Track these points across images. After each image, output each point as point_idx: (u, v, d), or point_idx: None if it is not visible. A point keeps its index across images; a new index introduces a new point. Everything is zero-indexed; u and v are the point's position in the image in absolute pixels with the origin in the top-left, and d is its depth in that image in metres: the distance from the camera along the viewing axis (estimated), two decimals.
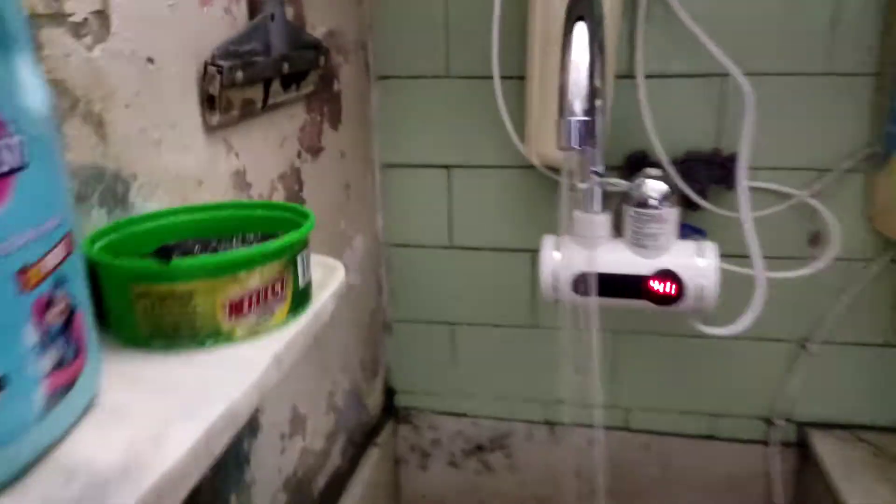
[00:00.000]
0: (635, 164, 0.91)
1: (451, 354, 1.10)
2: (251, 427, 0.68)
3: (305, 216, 0.47)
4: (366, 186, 0.99)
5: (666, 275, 0.74)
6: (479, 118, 0.97)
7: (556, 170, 0.92)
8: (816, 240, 0.93)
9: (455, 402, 1.12)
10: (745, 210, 0.77)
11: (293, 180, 0.75)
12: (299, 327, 0.43)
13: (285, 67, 0.66)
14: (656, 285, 0.74)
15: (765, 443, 1.04)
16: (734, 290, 0.83)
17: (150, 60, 0.49)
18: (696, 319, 0.79)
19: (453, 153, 1.01)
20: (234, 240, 0.45)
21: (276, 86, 0.66)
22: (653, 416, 1.07)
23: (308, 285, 0.45)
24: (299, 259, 0.44)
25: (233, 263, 0.39)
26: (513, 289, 1.05)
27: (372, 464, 1.02)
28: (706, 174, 0.90)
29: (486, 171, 1.00)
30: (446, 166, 1.01)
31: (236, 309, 0.39)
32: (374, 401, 1.08)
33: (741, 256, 0.89)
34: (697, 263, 0.74)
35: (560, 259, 0.77)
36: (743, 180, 0.76)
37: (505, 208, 1.01)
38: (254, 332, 0.41)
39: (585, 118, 0.57)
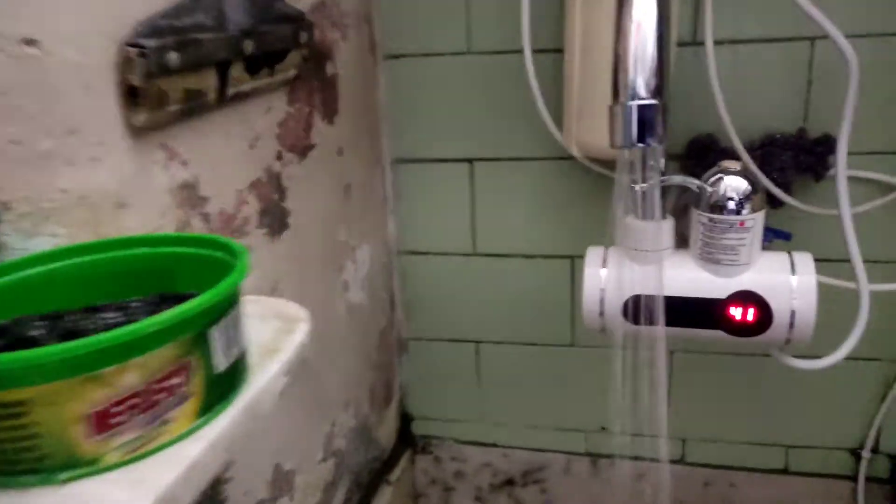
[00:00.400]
0: (700, 151, 0.74)
1: (475, 376, 0.95)
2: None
3: (235, 255, 0.32)
4: (373, 187, 0.84)
5: (747, 298, 0.58)
6: (507, 102, 0.81)
7: (600, 161, 0.76)
8: None
9: (482, 430, 0.97)
10: (844, 205, 0.60)
11: (271, 188, 0.60)
12: (217, 432, 0.28)
13: (249, 47, 0.50)
14: (735, 312, 0.58)
15: (851, 478, 0.88)
16: (824, 305, 0.66)
17: (31, 42, 0.34)
18: (784, 352, 0.63)
19: (477, 145, 0.85)
20: (109, 309, 0.30)
21: (237, 71, 0.50)
22: (714, 448, 0.91)
23: (238, 363, 0.31)
24: (216, 332, 0.29)
25: (90, 355, 0.24)
26: (547, 301, 0.89)
27: None
28: (791, 162, 0.73)
29: (516, 164, 0.84)
30: (469, 160, 0.86)
31: (101, 423, 0.25)
32: (387, 431, 0.93)
33: (830, 261, 0.72)
34: (790, 283, 0.57)
35: (608, 278, 0.61)
36: (842, 167, 0.59)
37: (538, 208, 0.86)
38: (135, 454, 0.26)
39: (651, 100, 0.40)
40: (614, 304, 0.61)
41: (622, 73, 0.40)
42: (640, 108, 0.39)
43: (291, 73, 0.60)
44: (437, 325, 0.94)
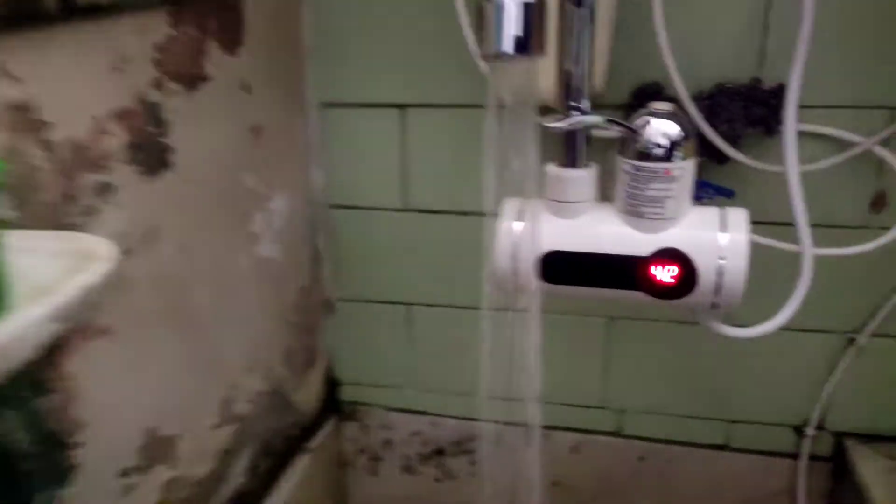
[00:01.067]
0: (646, 100, 0.68)
1: (407, 341, 0.89)
2: (53, 470, 0.48)
3: None
4: (292, 132, 0.77)
5: (671, 256, 0.52)
6: (439, 41, 0.74)
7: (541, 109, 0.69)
8: (880, 203, 0.70)
9: (412, 397, 0.92)
10: (791, 162, 0.54)
11: (146, 119, 0.53)
12: None
13: None
14: (657, 272, 0.52)
15: (792, 455, 0.84)
16: (766, 270, 0.61)
17: None
18: (712, 317, 0.57)
19: (409, 89, 0.78)
20: None
21: None
22: (652, 421, 0.86)
23: None
24: None
25: None
26: (483, 262, 0.83)
27: (301, 474, 0.83)
28: (741, 113, 0.67)
29: (451, 111, 0.77)
30: (400, 105, 0.79)
31: None
32: (310, 396, 0.88)
33: (777, 224, 0.67)
34: (718, 240, 0.52)
35: (522, 232, 0.55)
36: (792, 121, 0.54)
37: (475, 161, 0.79)
38: None
39: None
40: (527, 262, 0.55)
41: None
42: (514, 5, 0.32)
43: None
44: (366, 285, 0.88)
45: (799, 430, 0.82)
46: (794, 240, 0.56)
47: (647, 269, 0.52)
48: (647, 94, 0.70)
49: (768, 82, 0.68)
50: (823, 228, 0.69)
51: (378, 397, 0.93)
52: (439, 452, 0.93)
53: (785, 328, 0.58)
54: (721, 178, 0.70)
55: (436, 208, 0.82)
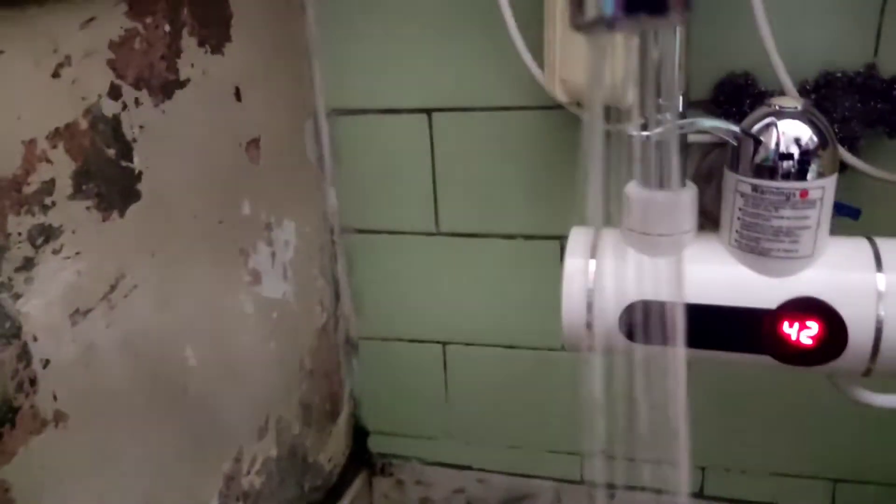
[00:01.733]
0: (732, 95, 0.54)
1: (443, 384, 0.76)
2: None
3: None
4: (298, 145, 0.64)
5: (808, 308, 0.38)
6: (474, 34, 0.61)
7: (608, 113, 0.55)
8: None
9: (452, 449, 0.78)
10: None
11: (102, 139, 0.41)
12: None
13: None
14: (789, 331, 0.38)
15: None
16: None
17: None
18: (858, 383, 0.43)
19: (436, 90, 0.65)
20: None
21: None
22: (738, 480, 0.72)
23: None
24: None
25: None
26: (531, 293, 0.70)
27: None
28: (856, 110, 0.52)
29: (487, 115, 0.64)
30: (426, 111, 0.66)
31: None
32: (334, 452, 0.75)
33: None
34: (875, 284, 0.37)
35: (598, 274, 0.41)
36: None
37: (517, 174, 0.66)
38: None
39: None
40: (607, 314, 0.41)
41: None
42: None
43: None
44: (394, 322, 0.75)
45: None
46: None
47: (777, 326, 0.38)
48: (734, 88, 0.56)
49: (886, 70, 0.54)
50: None
51: (413, 449, 0.80)
52: None
53: None
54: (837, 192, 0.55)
55: (472, 231, 0.69)
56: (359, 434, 0.80)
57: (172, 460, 0.49)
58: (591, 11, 0.18)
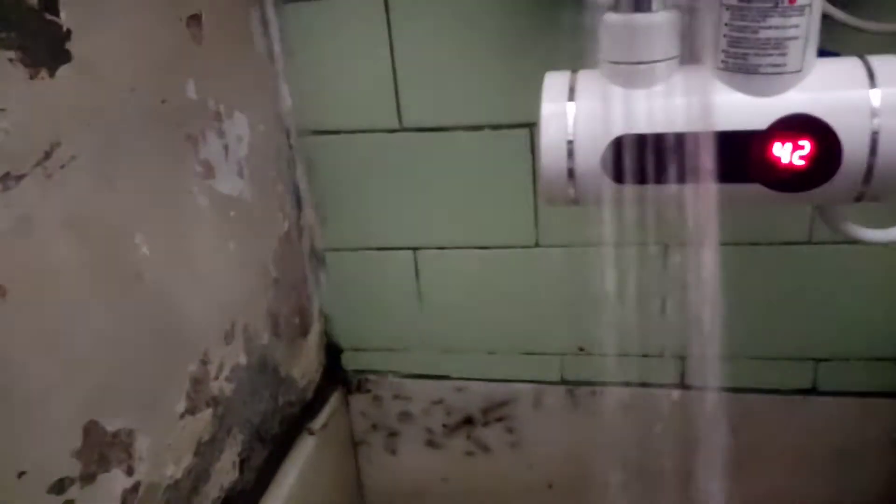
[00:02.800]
0: None
1: (416, 292, 0.73)
2: None
3: None
4: (245, 29, 0.60)
5: (801, 126, 0.36)
6: None
7: None
8: None
9: (430, 359, 0.76)
10: None
11: None
12: None
13: None
14: (781, 151, 0.36)
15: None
16: None
17: None
18: (846, 215, 0.41)
19: None
20: None
21: None
22: (722, 366, 0.71)
23: None
24: None
25: None
26: (502, 189, 0.67)
27: (305, 461, 0.68)
28: None
29: None
30: None
31: None
32: (306, 368, 0.72)
33: None
34: (869, 99, 0.35)
35: (579, 114, 0.39)
36: None
37: (483, 56, 0.62)
38: None
39: None
40: (591, 154, 0.38)
41: None
42: None
43: None
44: (361, 230, 0.72)
45: None
46: None
47: (767, 148, 0.36)
48: None
49: None
50: None
51: (389, 363, 0.77)
52: (468, 422, 0.78)
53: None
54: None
55: (437, 124, 0.66)
56: (332, 351, 0.77)
57: (131, 351, 0.45)
58: None
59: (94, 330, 0.42)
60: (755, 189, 0.37)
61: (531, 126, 0.64)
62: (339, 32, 0.63)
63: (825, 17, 0.50)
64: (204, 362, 0.53)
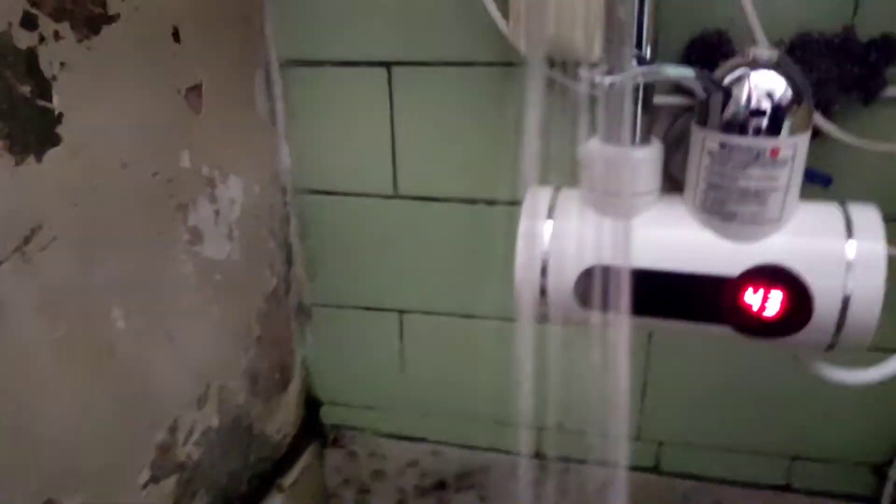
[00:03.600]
0: (704, 54, 0.51)
1: (399, 354, 0.73)
2: None
3: None
4: (247, 96, 0.60)
5: (772, 276, 0.36)
6: None
7: (568, 66, 0.52)
8: None
9: (407, 420, 0.76)
10: None
11: (17, 72, 0.37)
12: None
13: None
14: (752, 299, 0.36)
15: (870, 500, 0.68)
16: None
17: None
18: (821, 358, 0.41)
19: (397, 41, 0.61)
20: None
21: None
22: (696, 455, 0.71)
23: None
24: None
25: None
26: (492, 261, 0.67)
27: None
28: (832, 73, 0.50)
29: (450, 70, 0.61)
30: (385, 64, 0.62)
31: None
32: (283, 423, 0.72)
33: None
34: (844, 252, 0.35)
35: (556, 236, 0.39)
36: None
37: (479, 134, 0.63)
38: None
39: None
40: (564, 279, 0.38)
41: None
42: None
43: None
44: (349, 289, 0.72)
45: (879, 471, 0.67)
46: None
47: (739, 294, 0.36)
48: (706, 47, 0.53)
49: (865, 33, 0.51)
50: None
51: (367, 420, 0.77)
52: (441, 486, 0.78)
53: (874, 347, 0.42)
54: (808, 159, 0.54)
55: (432, 194, 0.66)
56: (311, 404, 0.77)
57: (96, 427, 0.45)
58: None
59: (60, 411, 0.42)
60: (726, 332, 0.37)
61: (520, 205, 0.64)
62: (342, 98, 0.64)
63: (823, 135, 0.50)
64: (172, 430, 0.53)
